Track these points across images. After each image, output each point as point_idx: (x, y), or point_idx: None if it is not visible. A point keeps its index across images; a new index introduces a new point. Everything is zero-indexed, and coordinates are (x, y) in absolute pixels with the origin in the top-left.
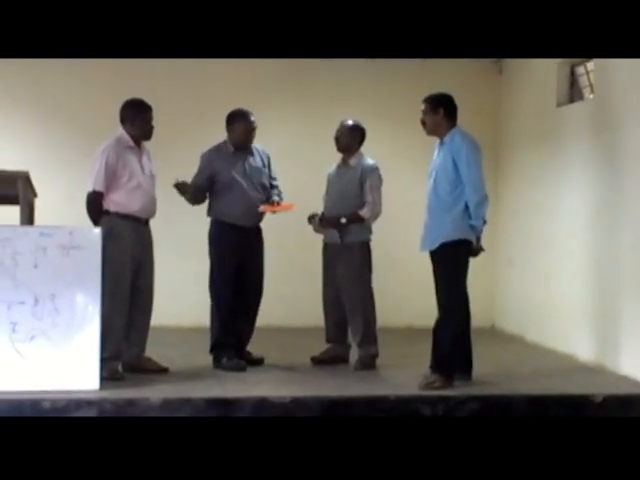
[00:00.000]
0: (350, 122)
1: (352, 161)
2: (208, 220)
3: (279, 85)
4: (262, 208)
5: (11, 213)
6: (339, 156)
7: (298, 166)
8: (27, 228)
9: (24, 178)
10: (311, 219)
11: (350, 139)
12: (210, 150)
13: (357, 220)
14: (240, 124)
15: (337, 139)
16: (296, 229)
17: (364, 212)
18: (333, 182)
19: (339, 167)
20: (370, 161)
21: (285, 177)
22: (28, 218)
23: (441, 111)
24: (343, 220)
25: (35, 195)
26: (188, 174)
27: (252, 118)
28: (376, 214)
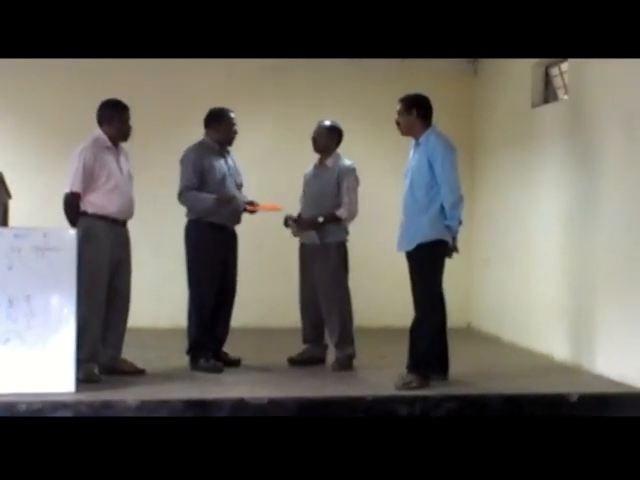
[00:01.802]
0: (327, 123)
1: (329, 162)
2: (185, 221)
3: (256, 86)
4: (248, 208)
5: None
6: (317, 157)
7: (276, 167)
8: (1, 229)
9: None
10: (287, 221)
11: (327, 140)
12: (195, 147)
13: (334, 220)
14: (227, 122)
15: (314, 140)
16: (273, 230)
17: (340, 212)
18: (310, 183)
19: (316, 168)
20: (347, 162)
21: (263, 178)
22: (2, 219)
23: (414, 112)
24: (320, 219)
25: (9, 196)
26: (165, 175)
27: (233, 117)
28: (352, 215)
